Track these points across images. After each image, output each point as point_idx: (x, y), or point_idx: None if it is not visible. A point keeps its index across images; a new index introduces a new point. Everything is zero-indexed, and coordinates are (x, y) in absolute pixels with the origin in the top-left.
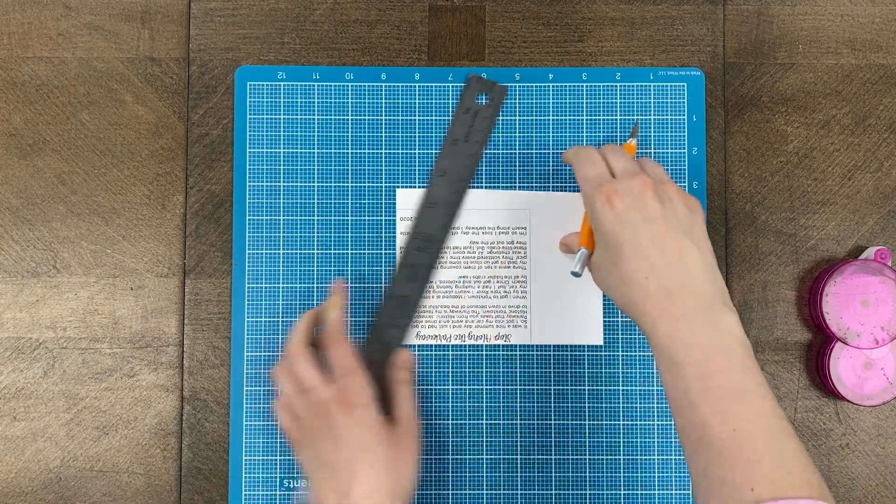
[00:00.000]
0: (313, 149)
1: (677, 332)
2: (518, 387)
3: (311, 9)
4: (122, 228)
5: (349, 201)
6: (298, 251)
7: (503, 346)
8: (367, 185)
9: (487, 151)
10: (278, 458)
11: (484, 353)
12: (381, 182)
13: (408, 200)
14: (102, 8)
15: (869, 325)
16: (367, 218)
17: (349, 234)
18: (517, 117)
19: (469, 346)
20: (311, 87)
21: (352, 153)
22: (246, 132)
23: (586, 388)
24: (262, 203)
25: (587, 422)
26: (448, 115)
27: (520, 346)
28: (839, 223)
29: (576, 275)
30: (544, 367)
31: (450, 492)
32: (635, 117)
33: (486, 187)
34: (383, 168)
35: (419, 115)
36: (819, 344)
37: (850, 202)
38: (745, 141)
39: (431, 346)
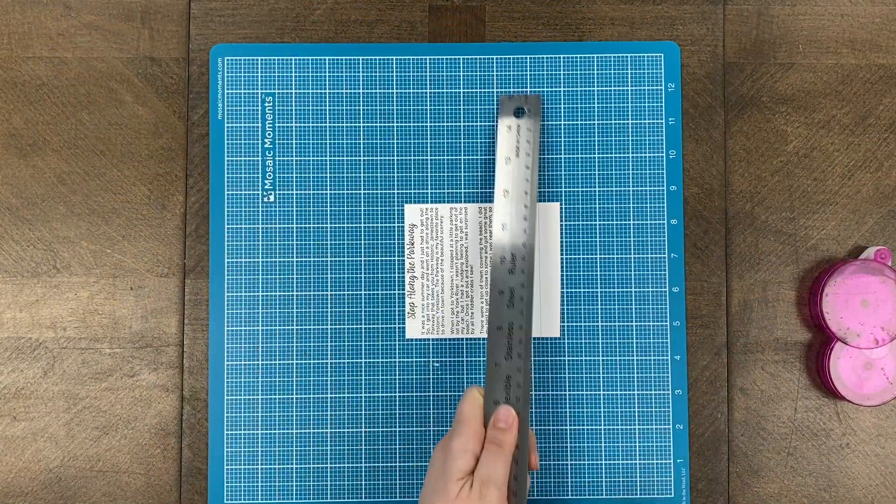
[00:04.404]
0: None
1: None
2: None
3: (311, 9)
4: (122, 228)
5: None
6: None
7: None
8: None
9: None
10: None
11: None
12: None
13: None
14: (102, 8)
15: (869, 325)
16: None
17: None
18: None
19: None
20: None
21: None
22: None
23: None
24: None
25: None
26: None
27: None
28: (839, 223)
29: None
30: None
31: None
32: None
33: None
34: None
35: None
36: (819, 344)
37: (850, 202)
38: (745, 141)
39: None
